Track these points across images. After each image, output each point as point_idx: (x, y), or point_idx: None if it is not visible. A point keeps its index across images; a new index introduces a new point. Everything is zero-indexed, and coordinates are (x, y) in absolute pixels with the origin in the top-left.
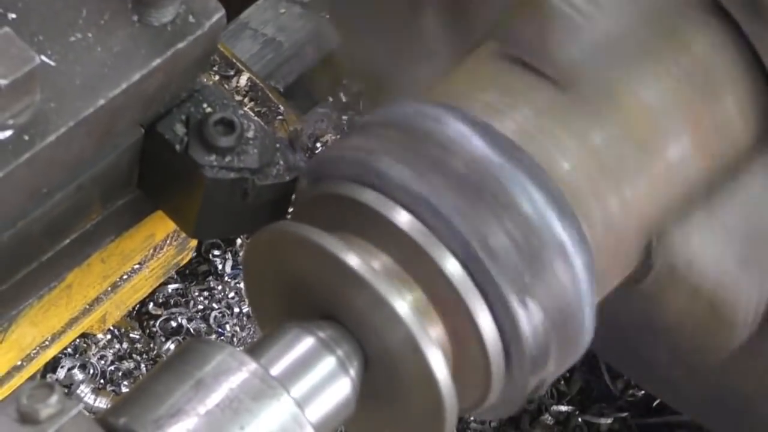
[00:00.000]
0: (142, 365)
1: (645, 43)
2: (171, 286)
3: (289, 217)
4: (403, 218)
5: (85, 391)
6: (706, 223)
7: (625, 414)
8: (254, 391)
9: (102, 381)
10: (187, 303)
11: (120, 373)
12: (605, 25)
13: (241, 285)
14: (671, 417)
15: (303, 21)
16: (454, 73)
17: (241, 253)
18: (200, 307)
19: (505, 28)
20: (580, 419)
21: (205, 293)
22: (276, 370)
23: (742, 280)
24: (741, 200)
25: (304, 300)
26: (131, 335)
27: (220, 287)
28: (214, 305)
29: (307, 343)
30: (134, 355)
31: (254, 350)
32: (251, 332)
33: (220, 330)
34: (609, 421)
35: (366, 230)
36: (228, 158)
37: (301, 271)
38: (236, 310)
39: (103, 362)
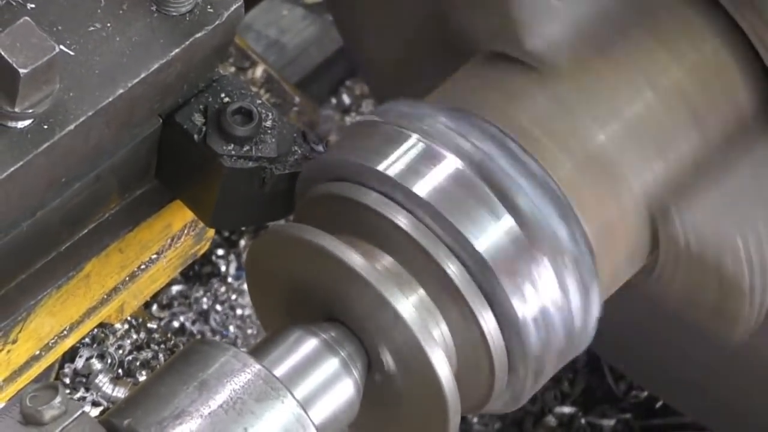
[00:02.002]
0: (160, 355)
1: (626, 26)
2: (174, 288)
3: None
4: (404, 219)
5: (103, 381)
6: (706, 196)
7: (628, 415)
8: (258, 393)
9: (120, 371)
10: (190, 305)
11: (138, 363)
12: (579, 8)
13: (245, 287)
14: (674, 418)
15: (306, 22)
16: (454, 77)
17: (244, 255)
18: (204, 308)
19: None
20: (583, 420)
21: (209, 295)
22: (280, 371)
23: (748, 247)
24: (742, 169)
25: (307, 301)
26: (149, 325)
27: (223, 289)
28: (218, 307)
29: (310, 344)
30: (152, 345)
31: (258, 351)
32: (254, 334)
33: (223, 332)
34: (612, 422)
35: (368, 231)
36: (246, 148)
37: (304, 273)
38: (239, 311)
39: (121, 352)
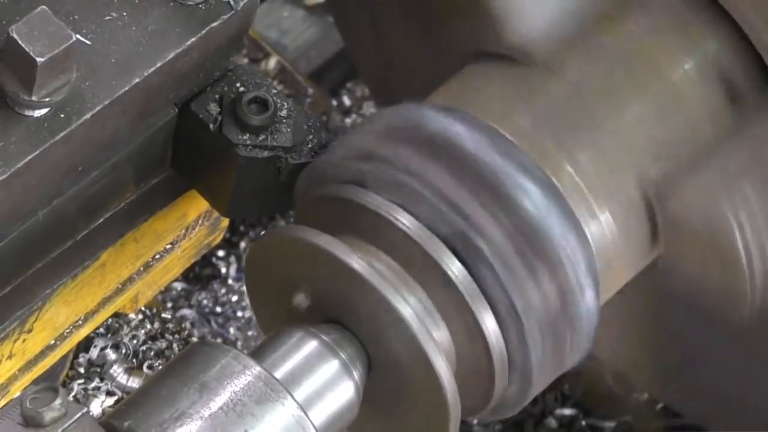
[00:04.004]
0: (174, 345)
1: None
2: (175, 290)
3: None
4: (406, 221)
5: (117, 371)
6: (700, 175)
7: (628, 417)
8: (258, 395)
9: (134, 361)
10: (191, 306)
11: (152, 353)
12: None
13: (245, 288)
14: (674, 420)
15: (307, 24)
16: (454, 79)
17: (244, 257)
18: (204, 310)
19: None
20: (584, 422)
21: (209, 297)
22: (280, 373)
23: (741, 223)
24: (734, 149)
25: (307, 303)
26: (163, 315)
27: (224, 291)
28: (218, 309)
29: (310, 346)
30: (166, 335)
31: (258, 353)
32: (255, 335)
33: (223, 333)
34: (613, 424)
35: (369, 233)
36: (261, 137)
37: (305, 274)
38: (240, 313)
39: (135, 342)
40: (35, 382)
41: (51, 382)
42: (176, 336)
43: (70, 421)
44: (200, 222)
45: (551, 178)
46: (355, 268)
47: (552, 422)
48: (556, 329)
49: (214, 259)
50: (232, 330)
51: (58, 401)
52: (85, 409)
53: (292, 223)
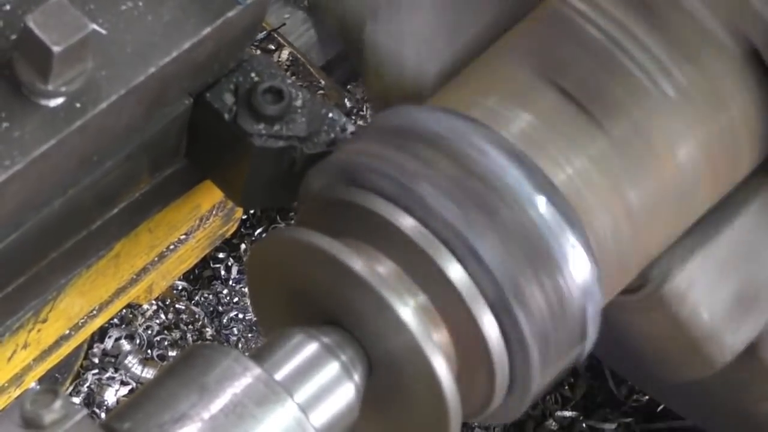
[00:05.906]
0: (188, 335)
1: (686, 95)
2: (176, 291)
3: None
4: (407, 223)
5: (132, 362)
6: (701, 255)
7: (629, 419)
8: (258, 397)
9: (149, 351)
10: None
11: (166, 343)
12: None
13: (246, 290)
14: (675, 422)
15: (307, 26)
16: (450, 83)
17: (245, 259)
18: (206, 311)
19: (549, 54)
20: (584, 424)
21: (210, 298)
22: (280, 375)
23: (731, 322)
24: (736, 229)
25: (308, 305)
26: (177, 306)
27: (225, 292)
28: (219, 309)
29: (311, 348)
30: (180, 326)
31: (258, 355)
32: (255, 337)
33: (225, 335)
34: (613, 426)
35: (370, 235)
36: (276, 127)
37: (306, 276)
38: (241, 315)
39: (149, 332)
40: (49, 372)
41: (65, 373)
42: (190, 327)
43: (70, 423)
44: (214, 212)
45: (551, 179)
46: (355, 270)
47: (552, 424)
48: (556, 329)
49: (214, 261)
50: (234, 331)
51: (58, 403)
52: (86, 412)
53: (293, 225)
